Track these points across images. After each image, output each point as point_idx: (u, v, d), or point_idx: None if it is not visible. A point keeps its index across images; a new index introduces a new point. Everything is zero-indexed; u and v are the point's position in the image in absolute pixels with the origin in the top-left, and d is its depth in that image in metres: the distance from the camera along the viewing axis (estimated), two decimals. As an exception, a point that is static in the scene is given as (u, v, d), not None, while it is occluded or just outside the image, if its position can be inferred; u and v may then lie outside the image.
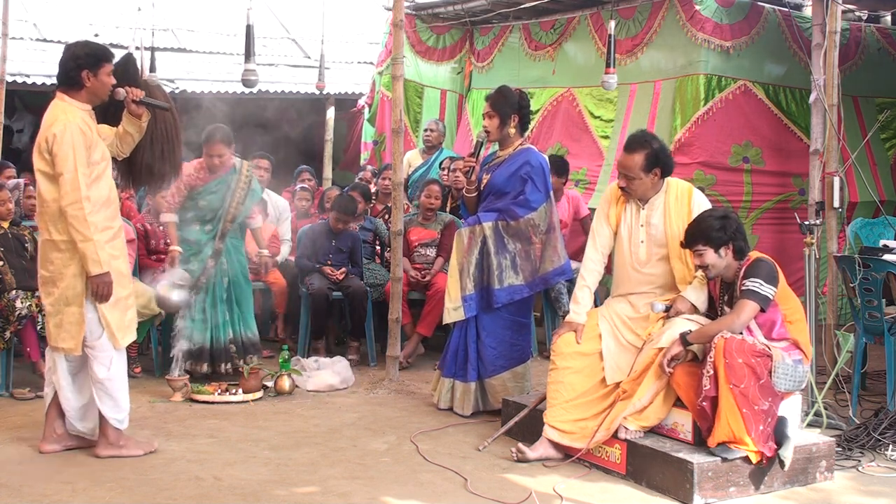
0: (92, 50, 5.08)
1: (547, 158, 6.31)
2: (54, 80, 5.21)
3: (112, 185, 5.13)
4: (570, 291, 6.49)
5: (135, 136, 5.19)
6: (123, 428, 5.14)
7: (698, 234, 4.96)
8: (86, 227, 4.87)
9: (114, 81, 5.09)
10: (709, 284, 5.15)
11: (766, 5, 8.36)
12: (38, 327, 6.31)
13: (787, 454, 4.78)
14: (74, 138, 4.88)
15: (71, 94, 5.02)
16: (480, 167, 6.18)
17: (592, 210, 6.88)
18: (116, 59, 5.16)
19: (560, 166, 7.93)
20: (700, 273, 5.17)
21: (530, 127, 9.48)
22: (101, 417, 5.08)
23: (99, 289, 4.94)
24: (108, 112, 5.20)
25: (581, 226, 8.28)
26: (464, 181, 6.20)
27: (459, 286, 6.02)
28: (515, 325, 6.11)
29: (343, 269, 7.57)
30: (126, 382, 5.18)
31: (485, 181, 6.14)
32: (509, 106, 6.07)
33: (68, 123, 4.89)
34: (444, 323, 6.16)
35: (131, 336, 5.23)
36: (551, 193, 6.14)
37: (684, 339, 4.87)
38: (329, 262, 7.62)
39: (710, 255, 4.93)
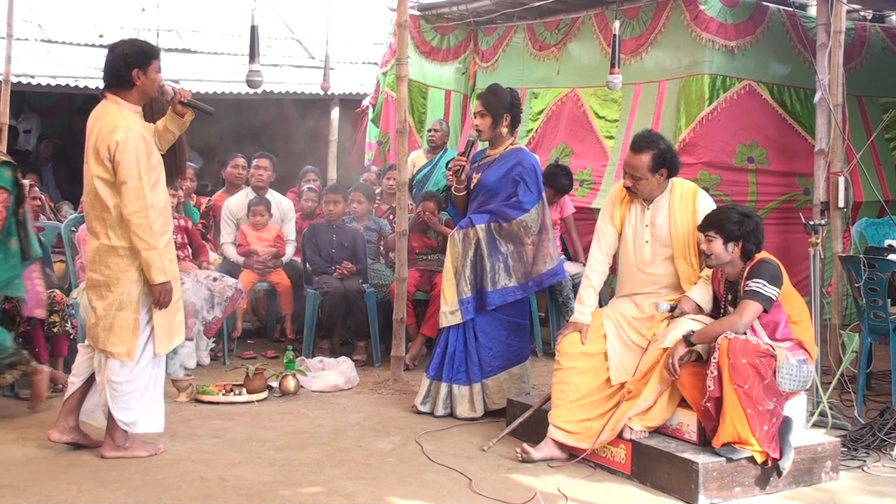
0: (140, 47, 5.08)
1: (537, 159, 6.29)
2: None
3: (166, 189, 5.16)
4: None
5: (176, 134, 5.19)
6: (134, 432, 5.14)
7: (715, 220, 4.99)
8: (151, 236, 4.90)
9: (161, 78, 5.10)
10: (713, 284, 5.15)
11: (771, 5, 8.34)
12: (45, 328, 6.32)
13: (786, 465, 4.77)
14: (137, 145, 4.89)
15: (122, 94, 5.02)
16: (470, 166, 6.16)
17: (597, 210, 6.88)
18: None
19: (568, 184, 8.02)
20: (704, 274, 5.17)
21: (535, 128, 9.52)
22: (110, 418, 5.08)
23: (161, 297, 4.99)
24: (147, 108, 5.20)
25: (564, 224, 8.29)
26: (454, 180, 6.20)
27: (456, 290, 6.01)
28: (512, 326, 6.11)
29: (348, 265, 7.61)
30: (149, 389, 5.14)
31: (474, 181, 6.13)
32: (502, 105, 6.06)
33: (130, 130, 4.89)
34: (440, 327, 6.15)
35: (179, 339, 5.26)
36: (543, 194, 6.13)
37: (687, 340, 4.87)
38: (332, 255, 7.70)
39: (717, 245, 4.93)
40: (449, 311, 6.04)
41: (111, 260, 4.97)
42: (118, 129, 4.88)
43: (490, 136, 6.13)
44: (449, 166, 6.29)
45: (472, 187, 6.15)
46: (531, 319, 7.87)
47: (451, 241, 6.11)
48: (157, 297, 4.99)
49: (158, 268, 4.93)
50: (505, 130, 6.11)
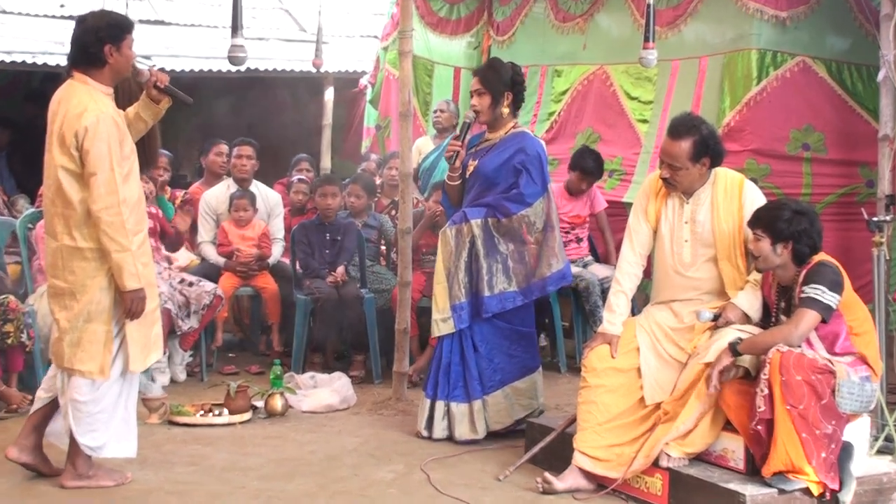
0: (113, 20, 5.08)
1: (543, 145, 6.27)
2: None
3: (140, 183, 5.16)
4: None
5: (149, 123, 5.21)
6: (101, 456, 5.12)
7: (764, 216, 4.98)
8: (123, 236, 4.88)
9: (136, 55, 5.10)
10: (764, 290, 5.12)
11: (828, -30, 8.31)
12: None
13: (847, 497, 4.75)
14: (109, 132, 4.88)
15: (92, 74, 5.00)
16: (466, 151, 6.15)
17: (628, 205, 6.85)
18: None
19: (595, 167, 8.02)
20: (753, 277, 5.15)
21: (558, 110, 9.49)
22: (72, 442, 5.06)
23: (133, 305, 4.96)
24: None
25: (596, 221, 8.28)
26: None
27: (448, 294, 6.00)
28: (514, 334, 6.10)
29: (340, 269, 7.59)
30: (119, 410, 5.12)
31: (470, 168, 6.12)
32: (502, 82, 6.07)
33: (101, 114, 4.88)
34: (433, 336, 6.13)
35: (157, 354, 5.27)
36: (549, 186, 6.11)
37: (734, 348, 4.84)
38: (325, 256, 7.72)
39: (764, 246, 4.92)
40: (441, 319, 6.04)
41: (76, 264, 4.95)
42: (88, 112, 4.86)
43: (489, 117, 6.12)
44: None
45: (467, 176, 6.13)
46: (554, 331, 7.90)
47: (442, 238, 6.10)
48: (129, 305, 4.96)
49: (131, 272, 4.91)
50: (506, 111, 6.11)
